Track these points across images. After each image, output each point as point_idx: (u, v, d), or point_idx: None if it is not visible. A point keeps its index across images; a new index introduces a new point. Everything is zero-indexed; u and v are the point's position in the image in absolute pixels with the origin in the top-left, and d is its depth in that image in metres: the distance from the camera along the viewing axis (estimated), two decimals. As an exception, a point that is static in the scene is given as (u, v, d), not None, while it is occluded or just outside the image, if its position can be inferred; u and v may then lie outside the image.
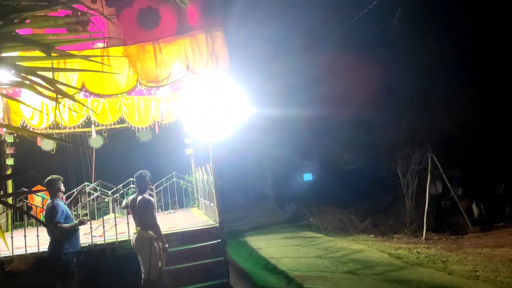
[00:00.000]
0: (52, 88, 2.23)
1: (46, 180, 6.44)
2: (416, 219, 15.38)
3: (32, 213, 10.12)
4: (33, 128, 10.14)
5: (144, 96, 11.28)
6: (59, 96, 2.35)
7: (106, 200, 11.80)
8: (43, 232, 6.96)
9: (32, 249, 6.99)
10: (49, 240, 6.31)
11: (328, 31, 19.39)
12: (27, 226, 7.71)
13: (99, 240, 7.33)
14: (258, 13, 17.82)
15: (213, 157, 8.10)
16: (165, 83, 7.22)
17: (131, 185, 6.83)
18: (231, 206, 20.94)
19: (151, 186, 10.46)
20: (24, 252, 6.97)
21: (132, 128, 11.85)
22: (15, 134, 10.73)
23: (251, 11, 16.70)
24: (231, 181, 19.78)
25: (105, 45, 6.81)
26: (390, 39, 15.94)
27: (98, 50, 6.66)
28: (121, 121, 11.69)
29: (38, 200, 10.51)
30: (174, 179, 12.12)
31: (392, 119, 15.61)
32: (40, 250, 6.87)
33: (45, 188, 6.54)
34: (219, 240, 7.69)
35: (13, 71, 2.15)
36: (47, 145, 11.77)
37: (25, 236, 6.97)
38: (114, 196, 10.75)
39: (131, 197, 6.52)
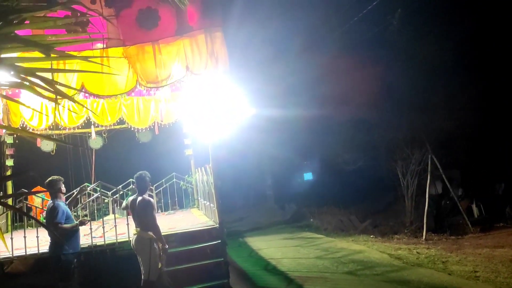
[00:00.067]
0: (52, 89, 2.23)
1: (47, 181, 6.44)
2: (416, 219, 15.38)
3: (32, 214, 10.11)
4: (33, 129, 10.13)
5: (144, 97, 11.28)
6: (58, 97, 2.35)
7: (106, 201, 11.79)
8: (43, 233, 6.95)
9: (32, 250, 6.98)
10: (49, 241, 6.31)
11: (328, 31, 19.39)
12: (27, 227, 7.71)
13: (99, 241, 7.33)
14: (257, 14, 17.84)
15: (212, 158, 8.10)
16: (165, 83, 7.21)
17: (132, 186, 6.82)
18: (231, 207, 20.96)
19: (151, 187, 10.46)
20: (24, 253, 6.97)
21: (132, 129, 11.84)
22: (15, 135, 10.72)
23: (250, 12, 16.72)
24: (231, 182, 19.78)
25: (105, 46, 6.80)
26: (390, 39, 15.93)
27: (98, 51, 6.65)
28: (121, 122, 11.69)
29: (38, 201, 10.50)
30: (174, 180, 12.12)
31: (392, 119, 15.61)
32: (40, 251, 6.87)
33: (45, 189, 6.53)
34: (219, 241, 7.68)
35: (12, 72, 2.15)
36: (47, 146, 11.77)
37: (25, 237, 6.96)
38: (114, 197, 10.74)
39: (131, 198, 6.52)
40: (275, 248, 12.66)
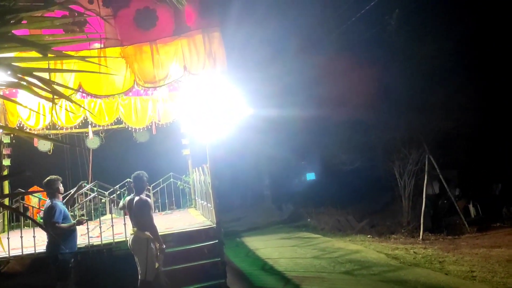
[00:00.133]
0: (49, 89, 2.23)
1: (45, 180, 6.44)
2: (413, 219, 15.41)
3: (28, 214, 10.10)
4: (30, 129, 10.12)
5: (141, 96, 11.27)
6: (55, 97, 2.35)
7: (103, 200, 11.78)
8: (40, 233, 6.95)
9: (28, 250, 6.97)
10: (47, 241, 6.31)
11: (326, 32, 19.40)
12: (24, 227, 7.69)
13: (96, 241, 7.33)
14: (255, 14, 17.84)
15: (210, 158, 8.11)
16: (162, 83, 7.21)
17: (127, 185, 6.82)
18: (229, 207, 20.96)
19: (148, 187, 10.46)
20: (21, 253, 6.96)
21: (129, 129, 11.84)
22: (12, 135, 10.70)
23: (248, 12, 16.72)
24: (228, 182, 19.81)
25: (102, 46, 6.80)
26: (387, 39, 15.95)
27: (95, 51, 6.64)
28: (118, 121, 11.68)
29: (35, 201, 10.49)
30: (171, 179, 12.12)
31: (389, 119, 15.62)
32: (37, 251, 6.87)
33: (41, 189, 6.53)
34: (216, 241, 7.69)
35: (9, 72, 2.14)
36: (44, 145, 11.75)
37: (21, 237, 6.95)
38: (111, 196, 10.73)
39: (128, 198, 6.51)
40: (272, 248, 12.66)
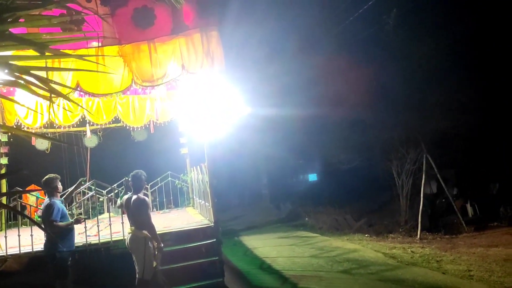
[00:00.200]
0: (46, 88, 2.23)
1: (44, 179, 6.45)
2: (410, 218, 15.43)
3: (26, 212, 10.09)
4: (28, 128, 10.11)
5: (139, 95, 11.26)
6: (53, 95, 2.34)
7: (100, 199, 11.77)
8: (37, 231, 6.94)
9: (26, 249, 6.97)
10: (44, 239, 6.31)
11: (323, 31, 19.41)
12: (21, 226, 7.69)
13: (93, 240, 7.33)
14: (253, 13, 17.84)
15: (208, 157, 8.11)
16: (160, 82, 7.21)
17: (124, 182, 6.82)
18: (227, 206, 20.99)
19: (146, 186, 10.45)
20: (18, 252, 6.96)
21: (127, 128, 11.83)
22: (9, 133, 10.68)
23: (246, 11, 16.72)
24: (226, 181, 19.82)
25: (100, 45, 6.80)
26: (385, 39, 15.96)
27: (93, 50, 6.64)
28: (116, 120, 11.68)
29: (32, 199, 10.47)
30: (169, 178, 12.12)
31: (387, 119, 15.63)
32: (34, 250, 6.86)
33: (39, 188, 6.53)
34: (214, 240, 7.69)
35: (6, 71, 2.14)
36: (42, 144, 11.74)
37: (19, 235, 6.95)
38: (109, 195, 10.72)
39: (126, 197, 6.51)
40: (270, 247, 12.67)
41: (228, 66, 7.67)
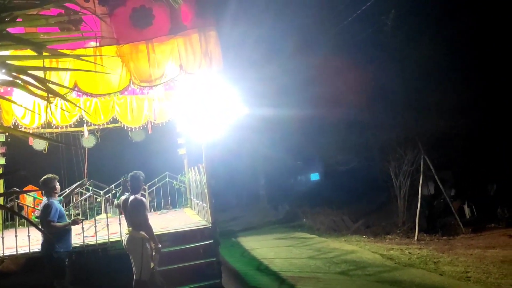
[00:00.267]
0: (44, 88, 2.21)
1: (42, 179, 6.44)
2: (408, 220, 15.45)
3: (23, 213, 10.06)
4: (25, 128, 10.08)
5: (137, 95, 11.24)
6: (50, 95, 2.33)
7: (98, 200, 11.75)
8: (34, 232, 6.92)
9: (23, 249, 6.96)
10: (41, 240, 6.30)
11: (322, 32, 19.41)
12: (18, 226, 7.67)
13: (91, 240, 7.31)
14: (251, 14, 17.84)
15: (206, 157, 8.10)
16: (158, 82, 7.19)
17: (122, 179, 6.78)
18: (224, 206, 20.97)
19: (144, 186, 10.44)
20: (15, 252, 6.94)
21: (125, 128, 11.80)
22: (7, 134, 10.65)
23: (244, 12, 16.72)
24: (224, 181, 19.79)
25: (98, 44, 6.78)
26: (383, 40, 15.98)
27: (91, 50, 6.62)
28: (114, 120, 11.65)
29: (30, 200, 10.44)
30: (167, 179, 12.10)
31: (385, 120, 15.65)
32: (31, 250, 6.85)
33: (37, 188, 6.52)
34: (212, 241, 7.68)
35: (4, 70, 2.13)
36: (39, 144, 11.71)
37: (16, 236, 6.93)
38: (107, 196, 10.70)
39: (123, 197, 6.49)
40: (267, 248, 12.66)
41: (226, 66, 7.66)
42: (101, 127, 12.11)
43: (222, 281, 7.56)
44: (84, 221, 6.84)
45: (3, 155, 10.74)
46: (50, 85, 2.34)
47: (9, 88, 7.42)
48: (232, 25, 13.64)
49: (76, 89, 6.97)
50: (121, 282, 6.51)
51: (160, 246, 6.29)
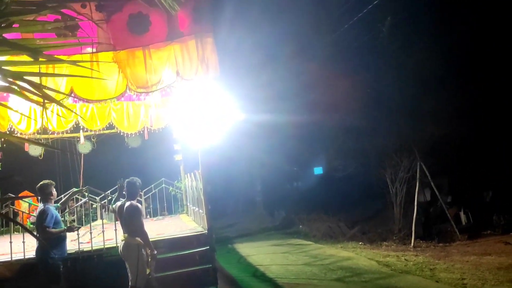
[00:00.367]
0: (40, 93, 2.21)
1: (39, 185, 6.42)
2: (404, 226, 15.43)
3: (18, 219, 10.01)
4: (21, 133, 10.05)
5: (134, 101, 11.23)
6: (46, 101, 2.33)
7: (94, 206, 11.71)
8: (29, 238, 6.89)
9: (17, 256, 6.92)
10: (36, 245, 6.27)
11: (318, 38, 19.49)
12: (13, 232, 7.63)
13: (86, 247, 7.28)
14: (248, 20, 17.89)
15: (202, 164, 8.10)
16: (155, 89, 7.19)
17: (118, 184, 6.76)
18: (221, 213, 20.93)
19: (140, 193, 10.41)
20: (10, 259, 6.90)
21: (121, 134, 11.79)
22: (3, 139, 10.61)
23: (241, 18, 16.76)
24: (220, 188, 19.78)
25: (94, 50, 6.78)
26: (379, 47, 16.05)
27: (87, 55, 6.62)
28: (110, 126, 11.64)
29: (25, 206, 10.39)
30: (163, 185, 12.09)
31: (381, 127, 15.70)
32: (26, 257, 6.81)
33: (32, 194, 6.50)
34: (208, 247, 7.66)
35: (0, 76, 2.13)
36: (35, 150, 11.68)
37: (10, 242, 6.90)
38: (102, 202, 10.67)
39: (119, 203, 6.48)
40: (263, 255, 12.64)
41: (223, 72, 7.68)
42: (97, 133, 12.10)
43: (218, 287, 7.54)
44: (79, 229, 6.79)
45: (-1, 160, 10.71)
46: (46, 91, 2.34)
47: (5, 94, 7.41)
48: (229, 32, 13.70)
49: (72, 95, 6.96)
50: (116, 288, 6.49)
51: (155, 252, 6.27)
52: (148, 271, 6.14)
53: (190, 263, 7.53)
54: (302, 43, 19.66)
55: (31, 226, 8.95)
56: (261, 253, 12.91)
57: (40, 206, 6.37)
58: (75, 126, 11.16)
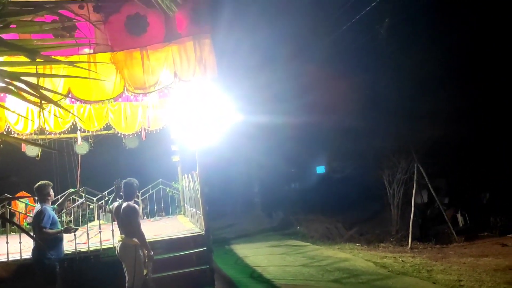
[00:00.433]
0: (37, 94, 2.21)
1: (36, 185, 6.41)
2: (401, 228, 15.46)
3: (15, 219, 9.98)
4: (18, 134, 10.02)
5: (131, 102, 11.21)
6: (44, 102, 2.33)
7: (91, 206, 11.69)
8: (26, 239, 6.88)
9: (14, 256, 6.90)
10: (33, 246, 6.26)
11: (316, 40, 19.51)
12: (10, 233, 7.61)
13: (83, 247, 7.27)
14: (246, 22, 17.89)
15: (199, 164, 8.09)
16: (153, 90, 7.18)
17: (114, 184, 6.74)
18: (219, 214, 20.90)
19: (138, 193, 10.40)
20: (6, 259, 6.88)
21: (119, 135, 11.76)
22: (-1, 139, 10.58)
23: (239, 19, 16.77)
24: (218, 189, 19.75)
25: (92, 51, 6.77)
26: (377, 48, 16.08)
27: (85, 56, 6.62)
28: (108, 127, 11.61)
29: (22, 206, 10.38)
30: (161, 186, 12.07)
31: (379, 128, 15.71)
32: (23, 257, 6.80)
33: (29, 195, 6.49)
34: (205, 248, 7.66)
35: (-4, 76, 2.13)
36: (32, 150, 11.65)
37: (7, 242, 6.88)
38: (99, 203, 10.65)
39: (116, 204, 6.47)
40: (261, 256, 12.63)
41: (220, 74, 7.67)
42: (94, 133, 12.07)
43: (215, 288, 7.55)
44: (76, 231, 6.78)
45: (-4, 161, 10.67)
46: (44, 92, 2.34)
47: (2, 94, 7.40)
48: (227, 33, 13.69)
49: (69, 95, 6.95)
50: (113, 289, 6.49)
51: (152, 253, 6.25)
52: (145, 272, 6.14)
53: (187, 264, 7.52)
54: (300, 44, 19.68)
55: (28, 226, 8.93)
56: (258, 254, 12.90)
57: (37, 206, 6.36)
58: (72, 126, 11.12)
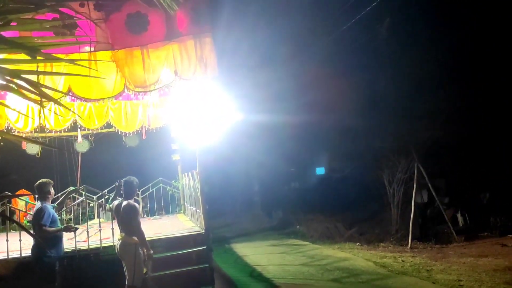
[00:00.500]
0: (37, 92, 2.21)
1: (37, 183, 6.41)
2: (401, 227, 15.45)
3: (15, 217, 9.99)
4: (18, 132, 10.02)
5: (132, 101, 11.21)
6: (44, 100, 2.33)
7: (91, 205, 11.68)
8: (26, 236, 6.89)
9: (14, 254, 6.91)
10: (32, 244, 6.27)
11: (316, 39, 19.50)
12: (10, 230, 7.61)
13: (83, 245, 7.27)
14: (247, 20, 17.88)
15: (200, 163, 8.10)
16: (153, 88, 7.18)
17: (120, 187, 6.75)
18: (219, 213, 20.89)
19: (138, 192, 10.40)
20: (6, 257, 6.89)
21: (119, 133, 11.76)
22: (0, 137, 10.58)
23: (240, 18, 16.76)
24: (218, 188, 19.77)
25: (93, 49, 6.77)
26: (377, 48, 16.06)
27: (85, 54, 6.62)
28: (108, 125, 11.61)
29: (22, 204, 10.38)
30: (161, 184, 12.07)
31: (379, 128, 15.70)
32: (22, 255, 6.81)
33: (29, 192, 6.49)
34: (205, 247, 7.67)
35: (-3, 74, 2.12)
36: (32, 148, 11.65)
37: (7, 240, 6.89)
38: (100, 201, 10.66)
39: (116, 202, 6.47)
40: (261, 255, 12.64)
41: (221, 72, 7.67)
42: (95, 132, 12.06)
43: (215, 287, 7.55)
44: (77, 230, 6.77)
45: (-4, 159, 10.67)
46: (44, 90, 2.33)
47: (2, 92, 7.39)
48: (228, 32, 13.68)
49: (70, 93, 6.95)
50: (113, 287, 6.48)
51: (152, 252, 6.26)
52: (144, 270, 6.14)
53: (187, 263, 7.53)
54: (300, 43, 19.67)
55: (28, 224, 8.93)
56: (258, 253, 12.91)
57: (38, 204, 6.37)
58: (72, 124, 11.12)
